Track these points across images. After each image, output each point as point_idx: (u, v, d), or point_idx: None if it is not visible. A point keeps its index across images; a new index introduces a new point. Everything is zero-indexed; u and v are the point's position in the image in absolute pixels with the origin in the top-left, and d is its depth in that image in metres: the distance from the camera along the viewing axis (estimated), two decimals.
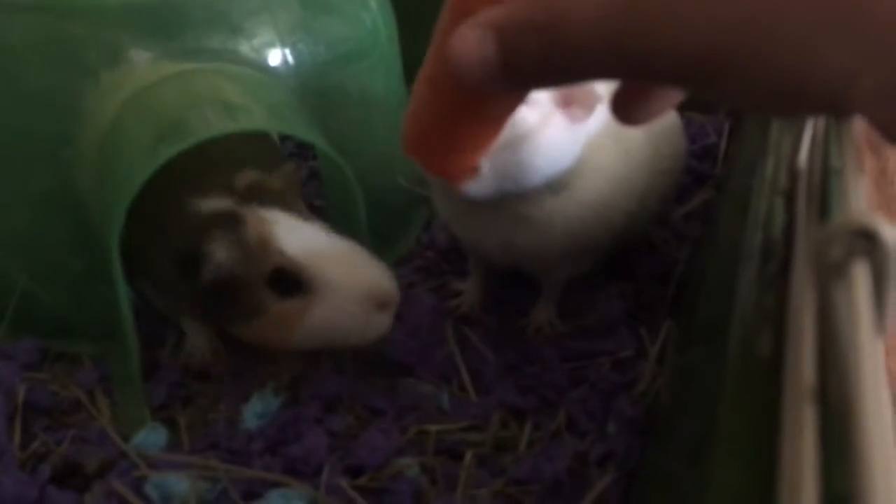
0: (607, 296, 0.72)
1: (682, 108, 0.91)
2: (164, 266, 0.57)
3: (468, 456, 0.56)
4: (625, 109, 0.35)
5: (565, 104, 0.55)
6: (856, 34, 0.25)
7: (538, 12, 0.29)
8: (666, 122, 0.71)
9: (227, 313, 0.57)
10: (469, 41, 0.30)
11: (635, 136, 0.63)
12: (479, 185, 0.52)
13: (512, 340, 0.69)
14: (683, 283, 0.74)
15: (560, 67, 0.29)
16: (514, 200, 0.57)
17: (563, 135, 0.54)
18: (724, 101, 0.29)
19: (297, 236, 0.55)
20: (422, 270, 0.78)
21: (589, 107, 0.55)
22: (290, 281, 0.54)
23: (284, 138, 0.92)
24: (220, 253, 0.54)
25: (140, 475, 0.54)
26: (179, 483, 0.53)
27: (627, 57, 0.27)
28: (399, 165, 0.79)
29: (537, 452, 0.56)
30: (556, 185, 0.57)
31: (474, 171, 0.49)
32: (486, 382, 0.64)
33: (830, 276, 0.21)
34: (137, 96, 0.58)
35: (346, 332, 0.55)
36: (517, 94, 0.36)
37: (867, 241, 0.21)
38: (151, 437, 0.58)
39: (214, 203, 0.58)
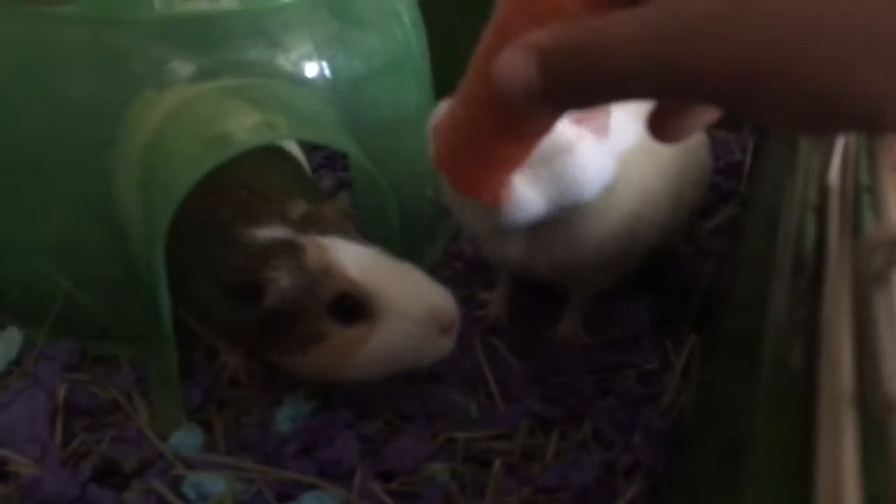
0: (633, 309, 0.73)
1: (708, 126, 0.93)
2: (213, 295, 0.57)
3: (497, 463, 0.57)
4: (661, 127, 0.36)
5: (578, 122, 0.56)
6: (888, 55, 0.25)
7: (579, 34, 0.30)
8: (693, 137, 0.72)
9: (282, 343, 0.55)
10: (513, 64, 0.31)
11: (666, 148, 0.65)
12: (529, 211, 0.53)
13: (538, 351, 0.70)
14: (708, 298, 0.75)
15: (601, 88, 0.30)
16: (554, 222, 0.58)
17: (596, 150, 0.55)
18: (760, 119, 0.30)
19: (359, 262, 0.55)
20: (449, 281, 0.79)
21: (602, 123, 0.56)
22: (353, 307, 0.54)
23: (314, 148, 0.94)
24: (283, 279, 0.53)
25: (177, 475, 0.55)
26: (216, 483, 0.54)
27: (667, 77, 0.28)
28: (427, 177, 0.81)
29: (565, 461, 0.57)
30: (595, 206, 0.59)
31: (501, 190, 0.50)
32: (514, 392, 0.65)
33: (870, 284, 0.22)
34: (180, 108, 0.60)
35: (406, 357, 0.55)
36: (555, 115, 0.38)
37: None
38: (188, 438, 0.59)
39: (271, 232, 0.57)
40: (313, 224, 0.58)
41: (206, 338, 0.67)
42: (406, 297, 0.54)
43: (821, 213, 0.43)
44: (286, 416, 0.61)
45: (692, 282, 0.78)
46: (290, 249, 0.55)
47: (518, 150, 0.40)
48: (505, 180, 0.44)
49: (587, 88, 0.31)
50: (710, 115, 0.37)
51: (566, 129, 0.53)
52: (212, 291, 0.57)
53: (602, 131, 0.56)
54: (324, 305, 0.53)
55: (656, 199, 0.63)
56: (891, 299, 0.21)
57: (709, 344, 0.68)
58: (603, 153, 0.56)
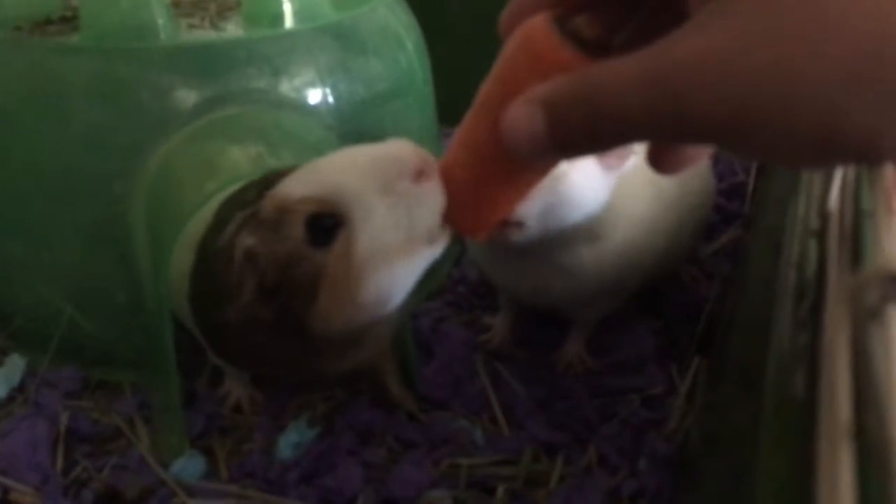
0: (637, 332, 0.73)
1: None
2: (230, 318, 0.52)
3: (500, 490, 0.57)
4: (660, 160, 0.37)
5: (601, 155, 0.57)
6: (878, 92, 0.26)
7: (580, 87, 0.31)
8: None
9: (300, 309, 0.50)
10: (520, 118, 0.33)
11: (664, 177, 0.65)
12: (523, 233, 0.54)
13: (543, 375, 0.70)
14: (713, 321, 0.75)
15: (602, 135, 0.31)
16: (550, 250, 0.59)
17: (592, 175, 0.56)
18: (759, 158, 0.31)
19: (307, 179, 0.50)
20: (453, 305, 0.80)
21: (622, 157, 0.57)
22: (327, 220, 0.48)
23: None
24: (245, 239, 0.49)
25: (179, 502, 0.55)
26: None
27: (662, 124, 0.29)
28: None
29: (569, 487, 0.56)
30: (591, 234, 0.59)
31: (501, 225, 0.50)
32: (518, 417, 0.65)
33: (866, 319, 0.22)
34: (185, 138, 0.61)
35: (405, 224, 0.47)
36: (555, 163, 0.39)
37: None
38: (190, 465, 0.59)
39: (233, 224, 0.53)
40: (268, 183, 0.52)
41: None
42: (360, 175, 0.48)
43: (822, 238, 0.43)
44: (289, 443, 0.61)
45: (696, 305, 0.77)
46: (247, 220, 0.51)
47: (517, 192, 0.41)
48: (501, 218, 0.44)
49: (591, 137, 0.32)
50: (708, 148, 0.37)
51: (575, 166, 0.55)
52: (224, 313, 0.55)
53: (621, 162, 0.58)
54: (302, 242, 0.48)
55: (655, 226, 0.63)
56: (886, 335, 0.21)
57: (714, 368, 0.67)
58: (596, 178, 0.56)
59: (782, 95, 0.27)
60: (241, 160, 0.58)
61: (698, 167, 0.72)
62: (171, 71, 0.64)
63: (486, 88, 0.36)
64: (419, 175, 0.46)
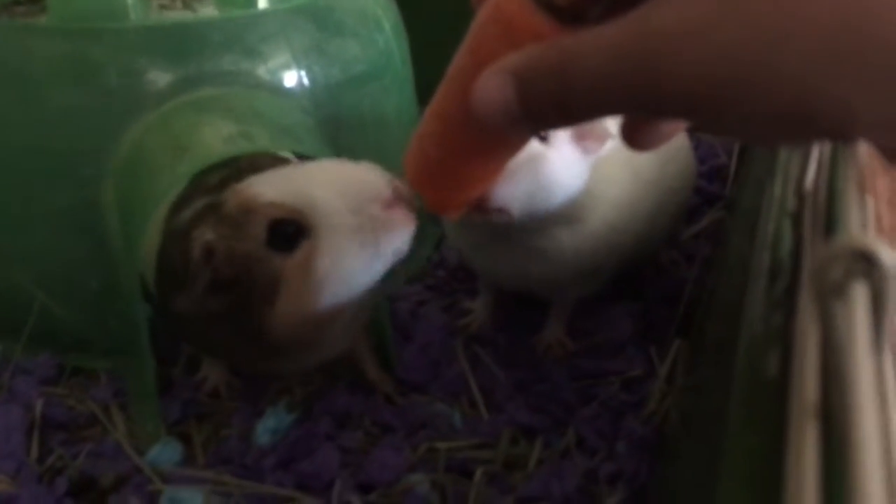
0: (617, 315, 0.72)
1: (692, 129, 0.93)
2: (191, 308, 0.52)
3: (478, 473, 0.57)
4: (635, 136, 0.36)
5: (579, 138, 0.56)
6: (855, 67, 0.25)
7: (553, 57, 0.30)
8: (674, 142, 0.72)
9: (253, 313, 0.50)
10: (491, 88, 0.32)
11: (643, 157, 0.64)
12: (505, 217, 0.53)
13: (522, 359, 0.69)
14: (693, 303, 0.75)
15: (576, 108, 0.31)
16: (529, 234, 0.58)
17: (571, 159, 0.56)
18: (732, 133, 0.30)
19: (280, 184, 0.50)
20: (432, 289, 0.79)
21: (601, 139, 0.57)
22: (290, 228, 0.49)
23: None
24: (206, 233, 0.49)
25: (154, 489, 0.55)
26: (193, 497, 0.53)
27: (638, 96, 0.28)
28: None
29: (547, 471, 0.56)
30: (570, 218, 0.59)
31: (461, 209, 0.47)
32: (497, 401, 0.65)
33: (830, 296, 0.22)
34: (157, 120, 0.60)
35: (368, 248, 0.49)
36: (527, 137, 0.38)
37: (866, 262, 0.21)
38: (166, 451, 0.58)
39: (191, 210, 0.53)
40: (232, 178, 0.53)
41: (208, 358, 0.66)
42: (333, 192, 0.49)
43: (798, 218, 0.43)
44: (266, 429, 0.60)
45: (676, 287, 0.77)
46: (209, 210, 0.51)
47: (489, 169, 0.40)
48: (471, 197, 0.44)
49: (563, 108, 0.31)
50: (683, 123, 0.37)
51: (535, 149, 0.54)
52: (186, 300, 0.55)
53: (599, 145, 0.57)
54: (262, 244, 0.49)
55: (633, 209, 0.63)
56: (850, 312, 0.21)
57: (692, 350, 0.67)
58: (575, 161, 0.56)
59: (761, 68, 0.26)
60: (214, 143, 0.57)
61: (679, 150, 0.72)
62: (142, 52, 0.63)
63: (457, 58, 0.35)
64: (391, 203, 0.49)
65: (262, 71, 0.66)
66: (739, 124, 0.29)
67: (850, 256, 0.21)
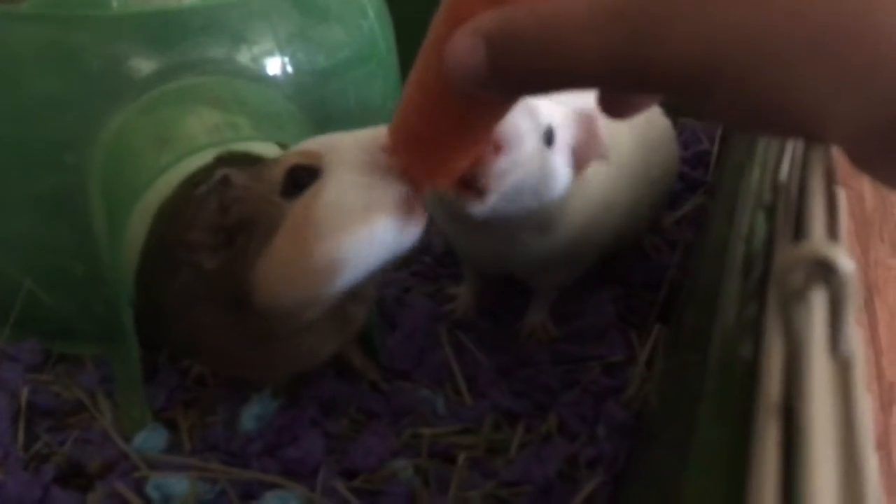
0: (599, 301, 0.73)
1: (676, 115, 0.93)
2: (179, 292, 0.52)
3: (461, 458, 0.58)
4: (611, 104, 0.36)
5: (579, 151, 0.56)
6: (833, 68, 0.25)
7: (528, 21, 0.29)
8: (657, 130, 0.72)
9: (249, 258, 0.48)
10: (461, 49, 0.31)
11: (625, 146, 0.65)
12: (482, 206, 0.52)
13: (506, 344, 0.70)
14: (674, 289, 0.76)
15: (549, 77, 0.30)
16: (508, 221, 0.57)
17: (562, 168, 0.55)
18: (712, 116, 0.29)
19: (304, 143, 0.51)
20: (417, 275, 0.80)
21: (597, 159, 0.57)
22: (305, 176, 0.47)
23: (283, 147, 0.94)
24: (224, 169, 0.49)
25: (141, 476, 0.56)
26: (179, 484, 0.54)
27: (620, 66, 0.28)
28: None
29: (528, 455, 0.57)
30: (543, 222, 0.58)
31: (447, 180, 0.46)
32: (480, 386, 0.66)
33: (791, 300, 0.22)
34: (140, 108, 0.60)
35: (370, 191, 0.46)
36: (506, 102, 0.38)
37: (825, 269, 0.22)
38: (152, 438, 0.59)
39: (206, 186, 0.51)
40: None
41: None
42: (350, 138, 0.49)
43: (772, 210, 0.44)
44: (252, 415, 0.61)
45: (659, 273, 0.78)
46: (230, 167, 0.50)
47: (473, 136, 0.40)
48: (456, 169, 0.43)
49: (536, 77, 0.30)
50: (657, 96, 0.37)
51: (538, 149, 0.53)
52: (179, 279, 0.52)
53: (603, 158, 0.57)
54: (276, 189, 0.48)
55: (615, 198, 0.63)
56: (809, 317, 0.22)
57: (673, 336, 0.68)
58: (565, 171, 0.55)
59: (750, 51, 0.26)
60: (198, 131, 0.57)
61: (662, 140, 0.72)
62: (124, 39, 0.63)
63: (434, 22, 0.35)
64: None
65: (245, 58, 0.66)
66: (720, 107, 0.28)
67: (811, 263, 0.22)
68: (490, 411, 0.63)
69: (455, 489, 0.55)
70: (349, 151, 0.48)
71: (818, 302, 0.22)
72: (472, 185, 0.51)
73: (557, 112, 0.55)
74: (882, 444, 0.75)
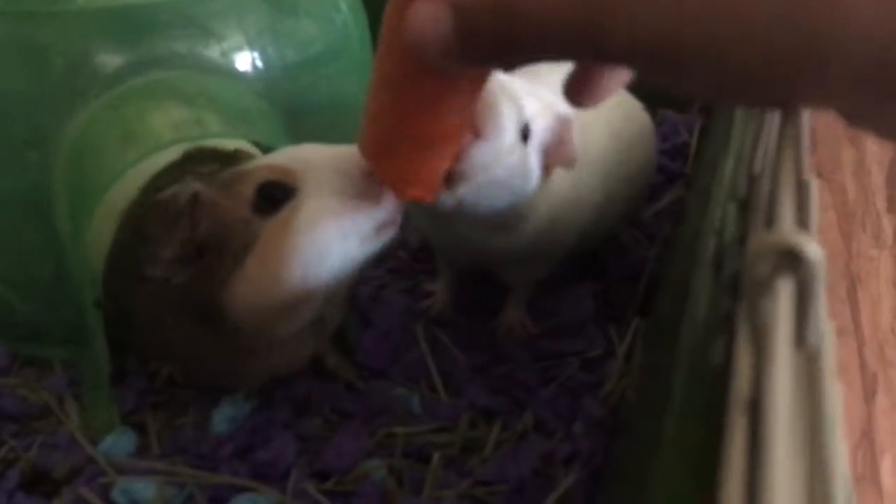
0: (578, 295, 0.73)
1: (655, 106, 0.93)
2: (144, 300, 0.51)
3: (436, 458, 0.57)
4: (577, 92, 0.35)
5: (549, 154, 0.55)
6: (799, 36, 0.25)
7: None
8: (636, 126, 0.71)
9: (219, 273, 0.47)
10: (425, 17, 0.30)
11: (600, 144, 0.64)
12: (451, 196, 0.51)
13: (483, 341, 0.69)
14: (653, 282, 0.75)
15: (517, 46, 0.29)
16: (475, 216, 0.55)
17: (533, 167, 0.54)
18: (686, 88, 0.29)
19: (273, 155, 0.51)
20: (393, 272, 0.79)
21: (565, 164, 0.56)
22: (278, 192, 0.47)
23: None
24: (194, 184, 0.47)
25: (108, 481, 0.54)
26: (146, 489, 0.53)
27: (585, 38, 0.27)
28: None
29: (503, 454, 0.57)
30: (510, 219, 0.57)
31: (428, 186, 0.45)
32: (457, 384, 0.65)
33: (758, 290, 0.22)
34: (105, 105, 0.58)
35: (347, 216, 0.47)
36: (476, 84, 0.37)
37: (792, 258, 0.21)
38: (120, 442, 0.58)
39: (179, 186, 0.50)
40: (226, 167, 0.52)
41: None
42: (326, 157, 0.48)
43: (747, 202, 0.43)
44: (224, 417, 0.60)
45: (637, 266, 0.78)
46: (203, 177, 0.50)
47: (444, 129, 0.39)
48: (428, 173, 0.42)
49: (502, 45, 0.29)
50: (624, 76, 0.36)
51: (517, 141, 0.52)
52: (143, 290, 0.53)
53: (571, 164, 0.56)
54: (247, 204, 0.47)
55: (582, 197, 0.62)
56: (775, 308, 0.21)
57: (651, 330, 0.68)
58: (535, 171, 0.54)
59: (720, 25, 0.25)
60: (164, 128, 0.56)
61: (641, 136, 0.71)
62: (89, 35, 0.62)
63: (387, 13, 0.34)
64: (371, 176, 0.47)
65: (213, 53, 0.64)
66: (690, 74, 0.27)
67: (778, 252, 0.21)
68: (466, 409, 0.62)
69: (429, 489, 0.55)
70: (325, 174, 0.47)
71: (784, 292, 0.21)
72: (448, 173, 0.49)
73: (537, 109, 0.54)
74: (866, 433, 0.75)
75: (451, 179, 0.50)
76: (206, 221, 0.47)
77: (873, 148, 1.15)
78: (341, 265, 0.48)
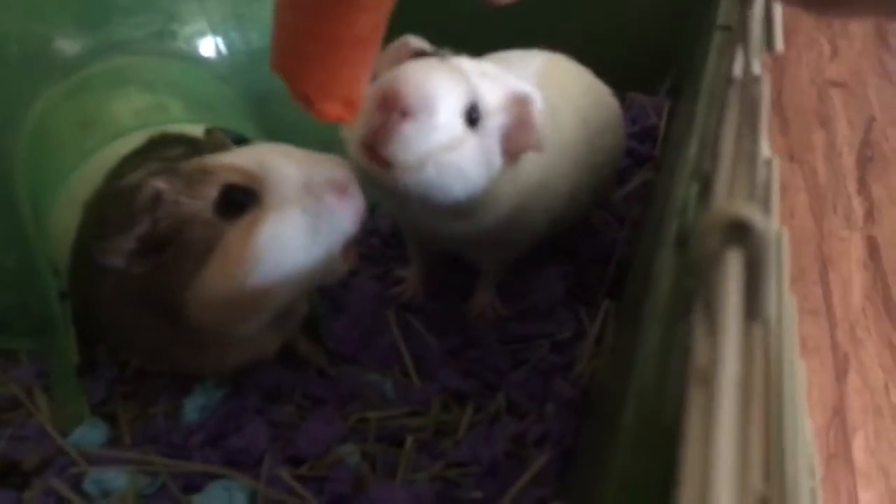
0: (548, 278, 0.73)
1: (625, 89, 0.93)
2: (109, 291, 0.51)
3: (409, 441, 0.57)
4: None
5: (510, 140, 0.53)
6: None
7: None
8: (605, 112, 0.71)
9: (179, 272, 0.48)
10: None
11: (568, 130, 0.63)
12: (392, 178, 0.49)
13: (454, 325, 0.70)
14: (623, 264, 0.76)
15: None
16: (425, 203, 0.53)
17: (489, 157, 0.52)
18: None
19: (239, 155, 0.50)
20: (364, 258, 0.78)
21: (528, 151, 0.53)
22: (241, 199, 0.48)
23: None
24: (158, 182, 0.47)
25: (79, 472, 0.54)
26: (118, 478, 0.53)
27: None
28: (339, 152, 0.79)
29: (476, 436, 0.57)
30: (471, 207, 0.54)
31: (347, 103, 0.44)
32: (429, 368, 0.65)
33: (708, 264, 0.22)
34: (65, 91, 0.57)
35: (309, 232, 0.48)
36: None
37: (742, 231, 0.22)
38: (91, 433, 0.57)
39: (144, 171, 0.50)
40: (189, 155, 0.52)
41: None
42: (293, 168, 0.48)
43: (710, 181, 0.44)
44: (195, 406, 0.60)
45: (607, 248, 0.78)
46: (164, 169, 0.49)
47: (351, 28, 0.38)
48: (342, 90, 0.41)
49: None
50: None
51: (455, 123, 0.50)
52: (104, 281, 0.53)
53: (537, 148, 0.54)
54: (210, 206, 0.47)
55: (549, 185, 0.60)
56: (725, 279, 0.21)
57: (621, 311, 0.68)
58: (491, 161, 0.52)
59: None
60: (124, 115, 0.55)
61: (608, 122, 0.71)
62: (50, 19, 0.61)
63: None
64: (343, 192, 0.48)
65: (176, 39, 0.64)
66: None
67: (726, 225, 0.22)
68: (439, 393, 0.62)
69: (403, 472, 0.55)
70: (291, 185, 0.47)
71: (734, 265, 0.21)
72: (377, 151, 0.48)
73: (490, 92, 0.52)
74: (838, 412, 0.76)
75: (383, 163, 0.48)
76: (167, 220, 0.47)
77: (844, 130, 1.17)
78: (302, 274, 0.49)
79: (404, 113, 0.47)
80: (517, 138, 0.53)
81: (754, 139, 0.34)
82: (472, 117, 0.50)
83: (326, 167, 0.49)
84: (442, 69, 0.50)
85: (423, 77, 0.48)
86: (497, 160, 0.52)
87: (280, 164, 0.48)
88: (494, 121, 0.52)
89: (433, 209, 0.53)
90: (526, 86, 0.54)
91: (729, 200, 0.25)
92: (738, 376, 0.19)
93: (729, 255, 0.21)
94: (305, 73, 0.39)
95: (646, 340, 0.36)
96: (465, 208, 0.53)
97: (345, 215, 0.49)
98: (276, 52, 0.39)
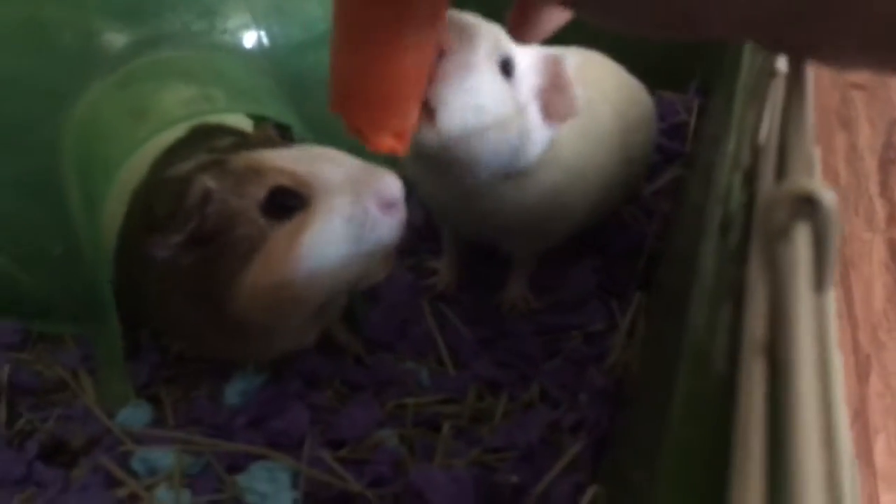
0: (579, 271, 0.74)
1: (654, 86, 0.94)
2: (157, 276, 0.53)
3: (445, 427, 0.58)
4: (517, 27, 0.38)
5: (547, 108, 0.55)
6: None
7: None
8: (639, 109, 0.72)
9: (222, 267, 0.49)
10: None
11: (605, 124, 0.64)
12: (435, 131, 0.50)
13: (487, 316, 0.71)
14: (653, 258, 0.77)
15: None
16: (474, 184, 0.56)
17: (536, 115, 0.54)
18: (619, 25, 0.30)
19: (289, 156, 0.51)
20: (398, 249, 0.79)
21: (568, 115, 0.55)
22: (289, 201, 0.49)
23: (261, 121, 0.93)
24: (207, 180, 0.48)
25: (126, 450, 0.55)
26: (165, 457, 0.54)
27: None
28: None
29: (511, 422, 0.58)
30: (518, 178, 0.57)
31: (399, 134, 0.44)
32: (463, 357, 0.66)
33: (776, 238, 0.23)
34: (115, 82, 0.59)
35: (352, 241, 0.49)
36: (430, 19, 0.38)
37: (809, 205, 0.22)
38: (136, 413, 0.59)
39: (193, 162, 0.52)
40: (240, 146, 0.54)
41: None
42: (342, 176, 0.50)
43: (752, 172, 0.45)
44: (236, 390, 0.61)
45: (638, 242, 0.79)
46: (214, 162, 0.51)
47: (403, 65, 0.39)
48: (395, 121, 0.43)
49: None
50: (562, 16, 0.38)
51: (493, 67, 0.51)
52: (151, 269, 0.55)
53: (573, 113, 0.55)
54: (257, 206, 0.49)
55: (587, 171, 0.62)
56: (793, 253, 0.22)
57: (653, 303, 0.69)
58: (535, 110, 0.54)
59: None
60: (173, 105, 0.57)
61: (642, 119, 0.72)
62: (98, 13, 0.62)
63: None
64: (389, 206, 0.50)
65: (220, 32, 0.65)
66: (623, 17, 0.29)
67: (794, 200, 0.22)
68: (473, 381, 0.63)
69: (440, 457, 0.56)
70: (339, 195, 0.49)
71: (801, 237, 0.22)
72: (425, 105, 0.49)
73: (522, 53, 0.53)
74: (859, 414, 0.77)
75: (428, 109, 0.49)
76: (215, 217, 0.49)
77: (866, 132, 1.17)
78: (342, 278, 0.51)
79: (441, 53, 0.48)
80: (555, 102, 0.54)
81: (803, 128, 0.35)
82: (506, 68, 0.52)
83: (375, 178, 0.50)
84: (478, 20, 0.51)
85: (457, 18, 0.49)
86: (536, 120, 0.54)
87: (329, 171, 0.50)
88: (528, 80, 0.53)
89: (474, 169, 0.54)
90: (554, 50, 0.55)
91: (793, 178, 0.26)
92: (812, 352, 0.20)
93: (798, 228, 0.22)
94: (359, 110, 0.41)
95: (693, 320, 0.37)
96: (507, 170, 0.55)
97: (388, 228, 0.50)
98: (332, 92, 0.41)
